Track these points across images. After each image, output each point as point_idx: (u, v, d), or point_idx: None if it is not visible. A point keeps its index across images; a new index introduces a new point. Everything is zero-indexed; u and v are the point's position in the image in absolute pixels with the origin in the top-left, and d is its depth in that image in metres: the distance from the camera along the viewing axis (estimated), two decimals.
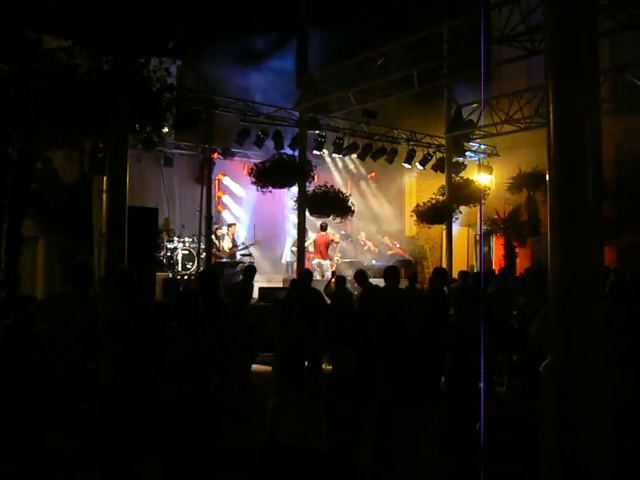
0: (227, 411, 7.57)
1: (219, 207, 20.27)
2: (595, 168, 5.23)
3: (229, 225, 19.20)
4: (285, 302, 10.26)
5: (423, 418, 5.98)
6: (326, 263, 19.22)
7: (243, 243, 19.00)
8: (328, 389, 6.10)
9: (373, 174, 23.35)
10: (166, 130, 13.00)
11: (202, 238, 16.90)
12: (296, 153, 17.49)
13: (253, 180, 16.87)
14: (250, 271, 11.81)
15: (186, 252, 17.83)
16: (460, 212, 19.89)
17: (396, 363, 5.94)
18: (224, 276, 16.87)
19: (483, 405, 6.95)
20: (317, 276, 17.84)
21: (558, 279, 5.30)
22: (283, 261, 21.06)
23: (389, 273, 10.07)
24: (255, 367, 11.55)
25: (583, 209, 5.18)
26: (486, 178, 21.61)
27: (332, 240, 19.70)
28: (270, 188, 17.00)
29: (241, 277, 13.76)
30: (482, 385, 7.69)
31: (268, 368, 12.08)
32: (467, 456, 7.46)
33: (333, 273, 18.27)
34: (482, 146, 22.25)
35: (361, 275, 10.76)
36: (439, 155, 21.00)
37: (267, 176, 16.71)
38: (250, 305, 11.54)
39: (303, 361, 7.17)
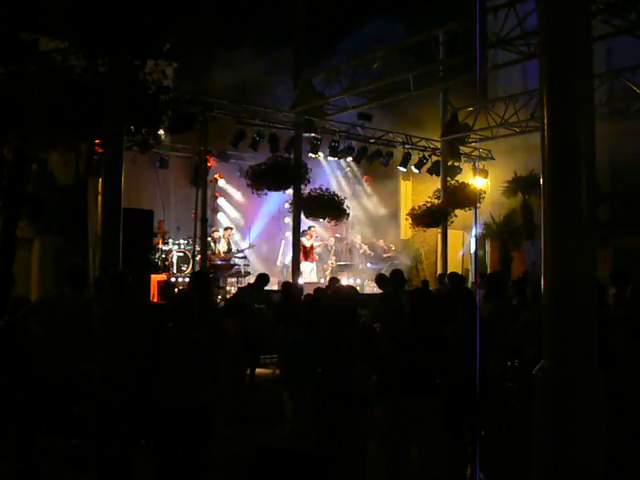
0: (221, 413, 7.57)
1: (214, 209, 20.27)
2: (589, 172, 5.25)
3: (225, 228, 19.20)
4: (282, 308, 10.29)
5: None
6: (313, 267, 19.32)
7: (238, 250, 18.95)
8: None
9: (368, 177, 23.37)
10: (162, 132, 13.01)
11: (197, 240, 16.89)
12: (292, 156, 17.51)
13: (249, 182, 16.89)
14: (260, 278, 11.74)
15: (181, 254, 17.80)
16: (455, 215, 19.90)
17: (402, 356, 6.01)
18: (218, 279, 16.88)
19: (478, 408, 6.96)
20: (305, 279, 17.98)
21: (551, 283, 5.31)
22: (278, 264, 21.04)
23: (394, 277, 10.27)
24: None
25: (577, 213, 5.20)
26: (481, 182, 21.64)
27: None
28: (265, 191, 17.02)
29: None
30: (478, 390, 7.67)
31: (266, 371, 12.12)
32: (464, 459, 7.47)
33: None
34: (478, 150, 22.27)
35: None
36: (435, 158, 21.03)
37: (263, 179, 16.71)
38: (256, 309, 11.46)
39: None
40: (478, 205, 20.46)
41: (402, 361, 5.98)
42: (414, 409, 5.88)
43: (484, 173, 22.15)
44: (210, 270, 16.49)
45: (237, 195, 20.89)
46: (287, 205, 18.40)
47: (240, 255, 18.78)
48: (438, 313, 6.51)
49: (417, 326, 6.16)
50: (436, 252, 22.65)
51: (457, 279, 11.91)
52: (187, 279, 16.98)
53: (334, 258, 20.70)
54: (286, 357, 7.87)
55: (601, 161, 5.69)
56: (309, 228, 19.25)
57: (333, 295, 7.30)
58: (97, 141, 12.10)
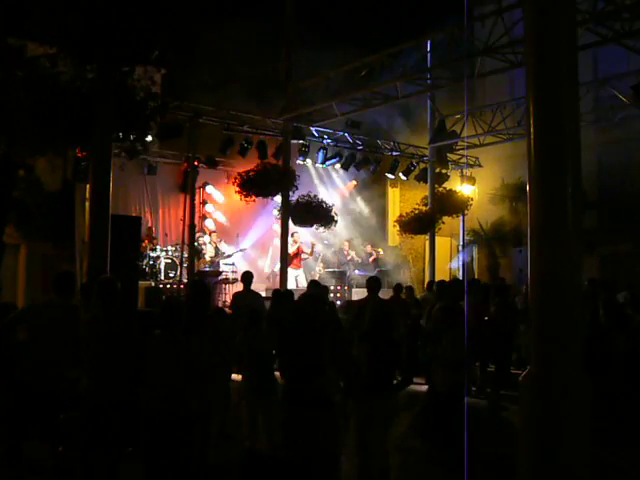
0: (207, 421, 7.55)
1: (202, 215, 20.25)
2: (575, 179, 5.29)
3: (209, 233, 19.21)
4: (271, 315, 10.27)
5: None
6: (300, 273, 19.31)
7: (224, 253, 18.97)
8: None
9: (355, 183, 23.37)
10: (150, 139, 13.00)
11: (185, 247, 16.87)
12: (280, 162, 17.53)
13: (237, 189, 16.90)
14: (242, 278, 11.69)
15: (169, 261, 17.79)
16: (443, 222, 19.96)
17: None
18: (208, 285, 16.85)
19: (467, 417, 6.98)
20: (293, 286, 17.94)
21: (537, 290, 5.35)
22: (267, 270, 21.03)
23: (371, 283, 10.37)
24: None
25: (563, 220, 5.24)
26: (469, 189, 21.73)
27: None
28: (254, 197, 17.03)
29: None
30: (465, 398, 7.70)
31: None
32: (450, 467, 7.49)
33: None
34: (465, 157, 22.35)
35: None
36: (422, 165, 21.08)
37: (251, 185, 16.73)
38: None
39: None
40: (466, 212, 20.56)
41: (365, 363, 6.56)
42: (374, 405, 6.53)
43: (471, 180, 22.24)
44: (195, 277, 16.47)
45: (225, 202, 20.85)
46: (275, 212, 18.41)
47: (228, 261, 18.77)
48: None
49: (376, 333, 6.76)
50: (424, 259, 22.69)
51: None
52: (174, 285, 16.99)
53: (322, 265, 20.70)
54: (249, 366, 7.86)
55: (588, 169, 5.75)
56: (292, 234, 19.24)
57: (300, 299, 7.35)
58: (85, 147, 12.08)
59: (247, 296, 11.42)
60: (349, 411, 6.59)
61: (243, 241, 20.17)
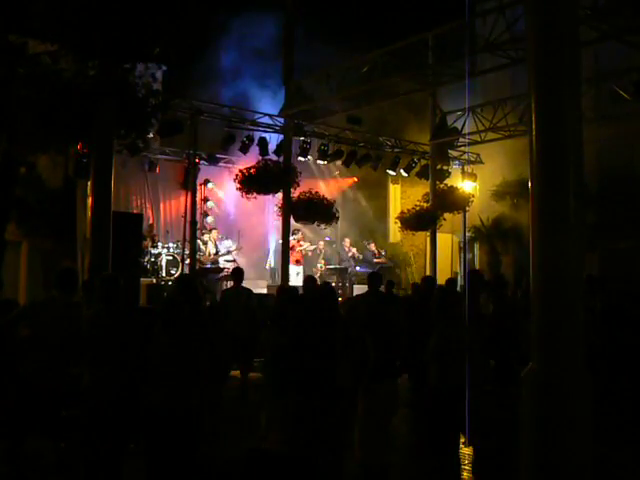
0: (209, 417, 7.55)
1: (203, 212, 20.25)
2: (576, 176, 5.29)
3: (210, 230, 19.23)
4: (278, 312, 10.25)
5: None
6: (301, 270, 19.31)
7: (229, 251, 18.97)
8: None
9: (356, 179, 23.34)
10: (151, 135, 13.01)
11: (186, 244, 16.87)
12: (281, 159, 17.52)
13: (238, 186, 16.89)
14: (234, 274, 11.78)
15: (170, 258, 17.78)
16: (444, 219, 19.94)
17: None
18: (209, 282, 16.87)
19: (468, 415, 7.00)
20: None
21: (539, 286, 5.35)
22: (267, 267, 21.04)
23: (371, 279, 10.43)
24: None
25: (564, 216, 5.24)
26: (470, 185, 21.69)
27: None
28: (255, 194, 17.02)
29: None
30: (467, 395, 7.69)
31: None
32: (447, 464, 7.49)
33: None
34: (467, 154, 22.31)
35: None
36: (424, 162, 21.05)
37: (252, 182, 16.72)
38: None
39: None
40: (467, 209, 20.53)
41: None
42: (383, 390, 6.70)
43: (473, 177, 22.20)
44: (199, 273, 16.48)
45: (226, 198, 20.85)
46: (276, 209, 18.42)
47: (228, 258, 18.76)
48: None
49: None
50: (425, 255, 22.68)
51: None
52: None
53: (323, 262, 20.69)
54: (268, 362, 7.85)
55: (589, 165, 5.75)
56: (294, 232, 19.20)
57: (313, 294, 7.39)
58: (86, 144, 12.09)
59: (238, 292, 11.47)
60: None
61: (244, 238, 20.15)
